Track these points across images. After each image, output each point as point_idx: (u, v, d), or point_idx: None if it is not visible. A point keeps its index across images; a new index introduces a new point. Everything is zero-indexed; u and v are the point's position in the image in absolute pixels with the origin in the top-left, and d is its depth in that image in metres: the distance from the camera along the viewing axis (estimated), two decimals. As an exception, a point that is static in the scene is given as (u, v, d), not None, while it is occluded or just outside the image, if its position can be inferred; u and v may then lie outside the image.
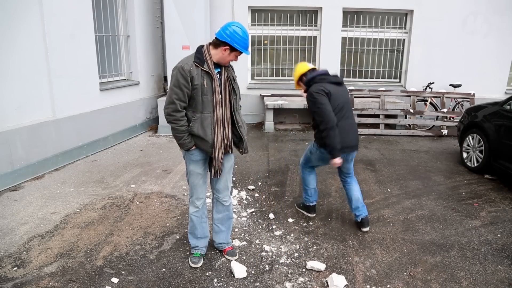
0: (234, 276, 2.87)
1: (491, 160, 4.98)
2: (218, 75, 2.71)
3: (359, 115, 7.68)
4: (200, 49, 2.69)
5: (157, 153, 6.01)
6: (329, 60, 8.25)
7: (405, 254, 3.24)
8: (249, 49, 2.73)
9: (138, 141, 6.77)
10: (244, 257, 3.15)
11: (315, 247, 3.31)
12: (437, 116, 7.76)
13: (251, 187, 4.63)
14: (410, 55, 8.34)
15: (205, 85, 2.62)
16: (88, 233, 3.46)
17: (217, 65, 2.72)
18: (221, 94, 2.70)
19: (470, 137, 5.53)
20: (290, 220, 3.81)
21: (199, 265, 3.00)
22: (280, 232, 3.57)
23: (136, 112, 7.14)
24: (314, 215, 3.90)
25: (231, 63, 2.85)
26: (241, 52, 2.65)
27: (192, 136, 2.73)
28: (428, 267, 3.05)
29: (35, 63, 4.79)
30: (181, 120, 2.68)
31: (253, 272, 2.95)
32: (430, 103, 7.90)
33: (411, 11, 8.16)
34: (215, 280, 2.84)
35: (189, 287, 2.75)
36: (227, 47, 2.62)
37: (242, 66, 8.16)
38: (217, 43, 2.65)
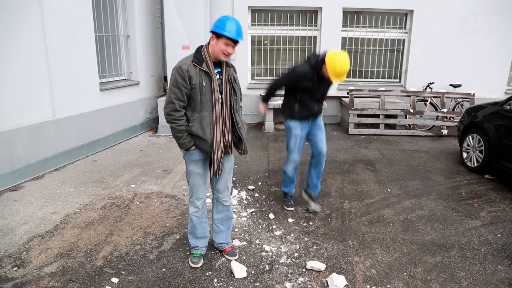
0: (234, 276, 2.87)
1: (491, 160, 4.98)
2: (218, 75, 2.71)
3: (359, 115, 7.68)
4: (199, 49, 2.70)
5: (157, 153, 6.01)
6: (329, 60, 8.23)
7: (405, 254, 3.24)
8: (235, 34, 2.60)
9: (138, 141, 6.77)
10: (244, 257, 3.15)
11: (315, 247, 3.31)
12: (437, 116, 7.76)
13: (251, 187, 4.63)
14: (410, 55, 8.34)
15: (204, 85, 2.62)
16: (88, 233, 3.46)
17: (217, 65, 2.72)
18: (221, 94, 2.70)
19: (470, 137, 5.53)
20: (290, 220, 3.81)
21: (199, 265, 3.00)
22: (280, 232, 3.57)
23: (136, 112, 7.14)
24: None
25: (233, 63, 2.85)
26: (228, 39, 2.58)
27: (192, 136, 2.74)
28: (428, 267, 3.05)
29: (35, 63, 4.79)
30: (180, 119, 2.68)
31: (253, 272, 2.95)
32: (430, 103, 7.90)
33: (411, 11, 8.17)
34: (215, 280, 2.84)
35: (189, 287, 2.75)
36: (214, 35, 2.62)
37: (242, 66, 8.17)
38: (210, 38, 2.68)
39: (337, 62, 3.36)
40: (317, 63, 3.49)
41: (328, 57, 3.41)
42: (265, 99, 3.99)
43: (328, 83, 3.68)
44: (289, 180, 4.05)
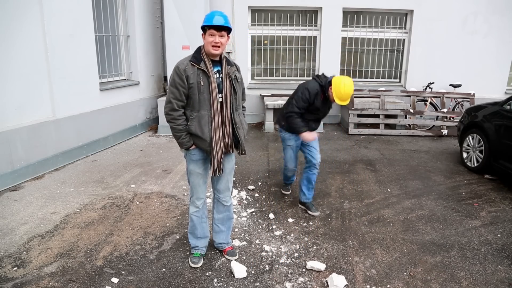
0: (234, 276, 2.87)
1: (491, 160, 4.98)
2: (218, 74, 2.71)
3: (359, 115, 7.68)
4: (198, 49, 2.71)
5: (157, 153, 6.01)
6: (329, 60, 8.25)
7: (405, 254, 3.24)
8: (213, 21, 2.56)
9: (138, 141, 6.77)
10: (244, 257, 3.15)
11: (315, 247, 3.31)
12: (437, 116, 7.76)
13: (251, 187, 4.63)
14: (410, 55, 8.35)
15: (202, 84, 2.62)
16: (88, 233, 3.46)
17: (217, 63, 2.72)
18: (221, 93, 2.70)
19: (470, 137, 5.53)
20: (290, 220, 3.81)
21: (199, 265, 3.00)
22: (280, 232, 3.57)
23: (136, 112, 7.14)
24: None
25: (237, 63, 2.86)
26: (210, 28, 2.57)
27: (191, 135, 2.74)
28: (428, 267, 3.05)
29: (35, 63, 4.79)
30: (178, 119, 2.69)
31: (253, 272, 2.95)
32: (430, 103, 7.90)
33: (411, 11, 8.17)
34: (215, 280, 2.84)
35: (189, 287, 2.75)
36: (203, 32, 2.65)
37: (242, 66, 8.13)
38: None
39: (342, 86, 3.56)
40: (326, 84, 3.68)
41: (334, 80, 3.62)
42: (302, 126, 3.75)
43: (330, 105, 3.90)
44: (288, 177, 4.37)
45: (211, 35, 2.59)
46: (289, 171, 4.21)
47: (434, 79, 8.18)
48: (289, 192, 4.46)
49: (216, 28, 2.57)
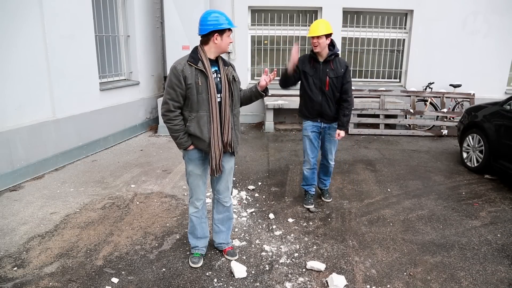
0: (234, 276, 2.87)
1: (491, 160, 4.98)
2: (215, 74, 2.71)
3: (359, 115, 7.68)
4: (195, 49, 2.72)
5: (157, 153, 6.01)
6: (329, 60, 8.25)
7: (405, 254, 3.24)
8: (233, 23, 2.77)
9: (138, 141, 6.77)
10: (244, 257, 3.15)
11: (315, 247, 3.31)
12: (437, 116, 7.76)
13: (251, 187, 4.63)
14: (410, 55, 8.34)
15: (200, 84, 2.63)
16: (88, 233, 3.46)
17: (214, 63, 2.73)
18: (220, 93, 2.70)
19: (470, 137, 5.53)
20: (290, 220, 3.81)
21: (199, 265, 3.00)
22: (280, 232, 3.57)
23: (136, 112, 7.14)
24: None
25: (233, 63, 2.88)
26: (230, 30, 2.68)
27: (190, 136, 2.74)
28: (428, 267, 3.05)
29: (35, 63, 4.79)
30: (174, 119, 2.70)
31: (253, 272, 2.95)
32: (430, 103, 7.90)
33: (411, 11, 8.17)
34: (215, 280, 2.84)
35: (189, 287, 2.75)
36: (216, 33, 2.64)
37: (242, 66, 8.17)
38: (205, 39, 2.68)
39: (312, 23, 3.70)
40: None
41: None
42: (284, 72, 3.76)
43: (330, 72, 3.78)
44: (307, 179, 4.10)
45: (229, 35, 2.70)
46: (306, 162, 3.99)
47: (434, 79, 8.18)
48: (311, 206, 4.04)
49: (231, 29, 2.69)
